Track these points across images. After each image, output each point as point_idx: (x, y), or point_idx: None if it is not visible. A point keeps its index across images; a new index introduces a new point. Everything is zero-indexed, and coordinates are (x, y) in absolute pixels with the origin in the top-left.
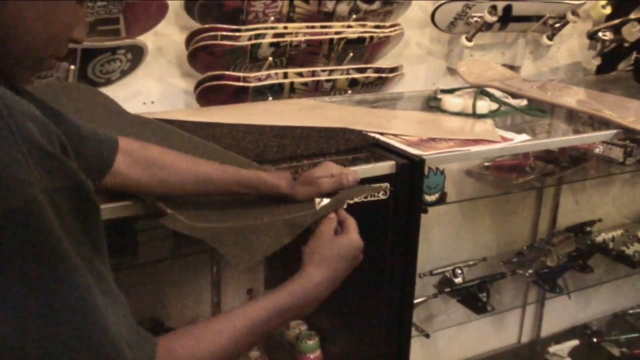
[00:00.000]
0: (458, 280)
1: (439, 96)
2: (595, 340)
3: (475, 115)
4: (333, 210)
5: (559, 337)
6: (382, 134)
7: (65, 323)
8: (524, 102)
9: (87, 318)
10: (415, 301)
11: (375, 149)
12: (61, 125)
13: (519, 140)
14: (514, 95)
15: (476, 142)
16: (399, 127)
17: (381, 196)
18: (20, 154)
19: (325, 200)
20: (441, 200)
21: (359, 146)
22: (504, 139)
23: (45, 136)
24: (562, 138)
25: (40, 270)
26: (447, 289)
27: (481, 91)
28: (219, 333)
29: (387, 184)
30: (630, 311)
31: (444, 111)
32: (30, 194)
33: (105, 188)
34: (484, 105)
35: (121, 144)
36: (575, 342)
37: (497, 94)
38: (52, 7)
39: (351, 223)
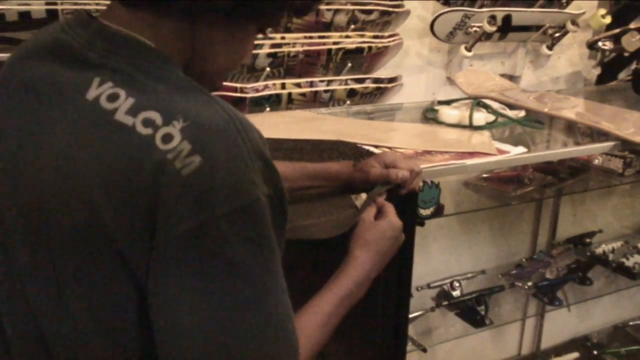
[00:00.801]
0: (456, 293)
1: (436, 107)
2: (595, 352)
3: (472, 127)
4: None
5: (559, 350)
6: (377, 146)
7: (268, 310)
8: (522, 114)
9: (286, 308)
10: (413, 315)
11: None
12: None
13: (516, 153)
14: (512, 107)
15: (472, 154)
16: (395, 139)
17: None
18: (250, 160)
19: (363, 196)
20: (436, 213)
21: (353, 159)
22: (500, 152)
23: (265, 146)
24: (559, 150)
25: (257, 262)
26: (445, 302)
27: (478, 102)
28: (303, 330)
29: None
30: (631, 323)
31: (440, 123)
32: (256, 194)
33: None
34: (481, 117)
35: None
36: (575, 355)
37: (495, 105)
38: (246, 42)
39: (389, 208)
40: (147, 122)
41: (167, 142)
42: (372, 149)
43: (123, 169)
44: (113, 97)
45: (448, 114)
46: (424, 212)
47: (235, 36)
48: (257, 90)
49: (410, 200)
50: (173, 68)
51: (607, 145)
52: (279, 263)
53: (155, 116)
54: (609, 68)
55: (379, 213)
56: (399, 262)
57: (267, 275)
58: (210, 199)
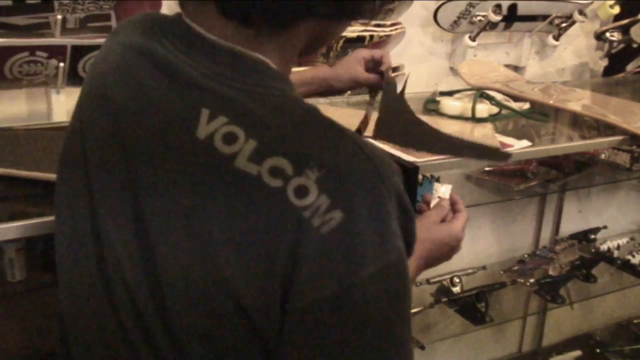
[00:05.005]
0: (456, 289)
1: (438, 98)
2: (598, 350)
3: (474, 119)
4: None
5: (561, 347)
6: (375, 138)
7: None
8: (526, 106)
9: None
10: (411, 311)
11: None
12: None
13: (519, 147)
14: (516, 98)
15: None
16: None
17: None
18: (392, 209)
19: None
20: None
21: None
22: (504, 145)
23: (402, 184)
24: (565, 145)
25: (400, 317)
26: (445, 299)
27: (481, 94)
28: None
29: None
30: (635, 321)
31: (442, 114)
32: (399, 247)
33: None
34: (484, 109)
35: None
36: (578, 353)
37: (498, 96)
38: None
39: (461, 215)
40: (275, 172)
41: (302, 196)
42: (370, 140)
43: (251, 228)
44: (230, 138)
45: (450, 105)
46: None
47: (328, 31)
48: None
49: (410, 194)
50: (291, 92)
51: (615, 139)
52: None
53: (284, 164)
54: (617, 59)
55: (451, 215)
56: None
57: (407, 328)
58: (355, 260)
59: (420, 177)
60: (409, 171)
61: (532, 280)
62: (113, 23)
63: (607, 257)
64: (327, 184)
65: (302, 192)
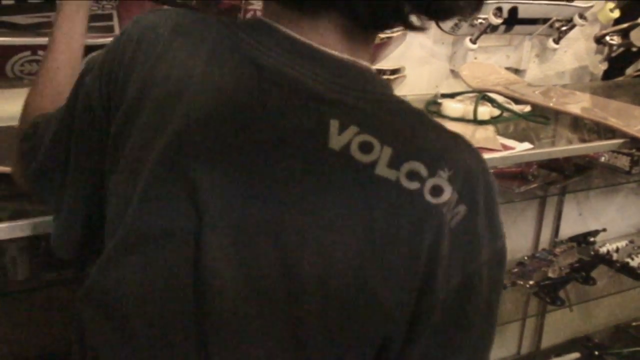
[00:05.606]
0: None
1: (439, 101)
2: (597, 353)
3: (476, 121)
4: None
5: (560, 349)
6: None
7: None
8: (527, 108)
9: None
10: None
11: None
12: None
13: (521, 149)
14: (517, 101)
15: None
16: None
17: None
18: (497, 197)
19: None
20: None
21: None
22: (506, 147)
23: None
24: (566, 147)
25: (499, 300)
26: None
27: (483, 96)
28: None
29: None
30: (634, 324)
31: (444, 116)
32: (504, 233)
33: None
34: (486, 111)
35: None
36: (576, 355)
37: (500, 99)
38: None
39: None
40: (412, 175)
41: (438, 195)
42: None
43: (394, 230)
44: (366, 147)
45: (452, 107)
46: None
47: None
48: None
49: None
50: (395, 95)
51: (616, 142)
52: None
53: (420, 167)
54: (617, 63)
55: None
56: None
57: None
58: (475, 247)
59: None
60: None
61: (531, 282)
62: (115, 23)
63: (606, 260)
64: (456, 181)
65: (437, 191)
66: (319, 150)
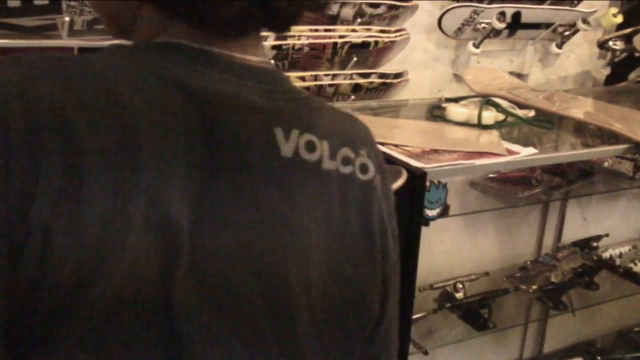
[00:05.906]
0: (459, 295)
1: (444, 105)
2: (599, 358)
3: (480, 126)
4: None
5: (562, 354)
6: (382, 144)
7: None
8: (532, 113)
9: None
10: (415, 316)
11: None
12: None
13: (526, 154)
14: (521, 106)
15: (481, 154)
16: (401, 137)
17: None
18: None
19: None
20: (443, 213)
21: None
22: (510, 152)
23: None
24: (570, 152)
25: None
26: (448, 304)
27: (487, 101)
28: None
29: None
30: (637, 329)
31: (448, 121)
32: None
33: None
34: (490, 116)
35: None
36: None
37: (504, 104)
38: None
39: None
40: (346, 161)
41: (366, 172)
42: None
43: (349, 217)
44: (311, 146)
45: (456, 111)
46: (431, 212)
47: None
48: None
49: (417, 200)
50: (301, 89)
51: (620, 147)
52: None
53: (348, 152)
54: (619, 68)
55: None
56: (404, 263)
57: None
58: (391, 204)
59: (427, 183)
60: (417, 177)
61: (534, 287)
62: None
63: (609, 265)
64: (371, 154)
65: (364, 168)
66: (274, 162)
